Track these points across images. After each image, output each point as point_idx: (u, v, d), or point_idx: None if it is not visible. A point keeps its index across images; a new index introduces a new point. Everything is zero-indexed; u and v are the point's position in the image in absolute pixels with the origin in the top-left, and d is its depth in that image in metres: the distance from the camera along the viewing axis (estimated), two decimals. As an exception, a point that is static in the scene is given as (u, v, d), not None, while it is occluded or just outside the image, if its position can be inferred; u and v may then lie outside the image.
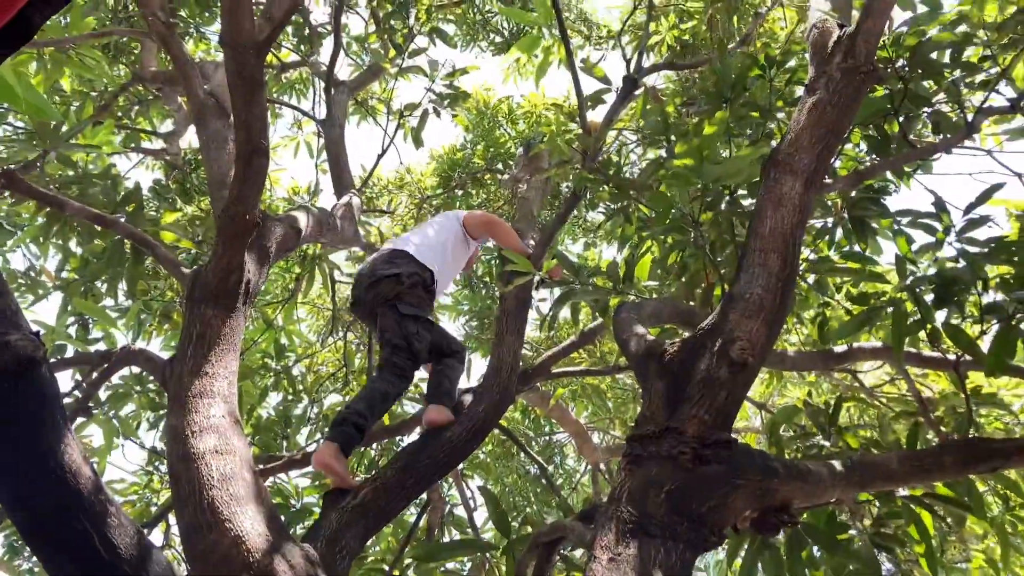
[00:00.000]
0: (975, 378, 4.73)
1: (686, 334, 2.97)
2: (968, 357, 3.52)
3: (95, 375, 3.47)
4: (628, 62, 5.56)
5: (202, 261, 4.34)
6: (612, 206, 3.98)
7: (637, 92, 4.97)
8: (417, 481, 3.45)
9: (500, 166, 8.04)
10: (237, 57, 2.89)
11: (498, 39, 8.51)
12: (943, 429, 4.15)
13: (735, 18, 6.41)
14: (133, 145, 6.23)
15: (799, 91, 3.64)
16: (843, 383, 5.85)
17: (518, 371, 3.93)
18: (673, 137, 3.98)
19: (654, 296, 4.03)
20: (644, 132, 3.99)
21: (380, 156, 5.91)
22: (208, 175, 3.88)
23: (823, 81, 2.58)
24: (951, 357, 4.11)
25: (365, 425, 3.37)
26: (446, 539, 6.01)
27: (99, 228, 3.61)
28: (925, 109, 3.19)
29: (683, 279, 3.79)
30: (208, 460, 2.65)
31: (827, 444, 3.37)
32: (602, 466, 6.79)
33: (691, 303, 3.59)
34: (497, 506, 3.09)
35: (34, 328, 1.41)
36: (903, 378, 4.34)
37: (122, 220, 3.41)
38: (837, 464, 2.56)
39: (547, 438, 8.19)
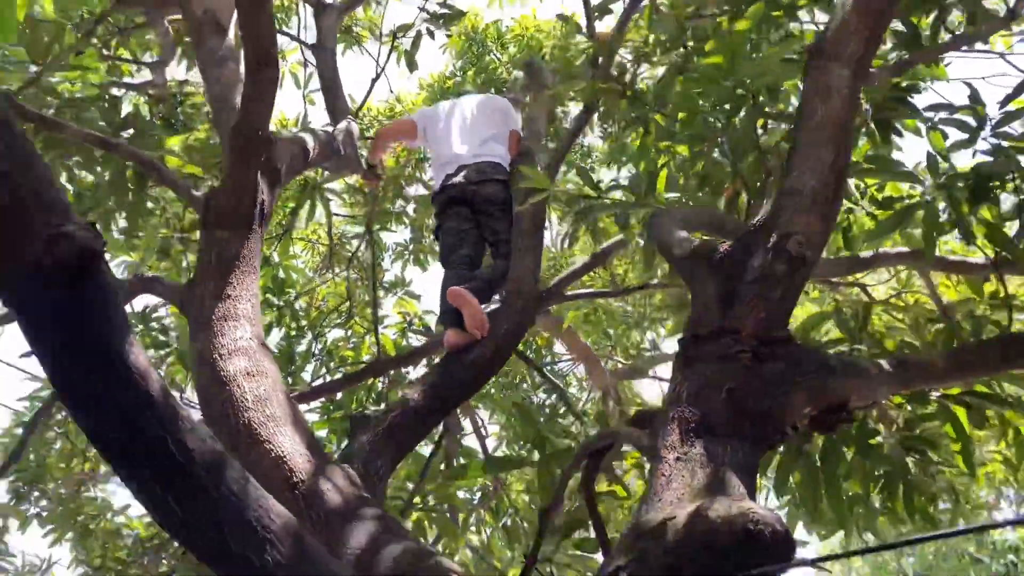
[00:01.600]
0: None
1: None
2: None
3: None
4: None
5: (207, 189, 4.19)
6: (629, 117, 3.85)
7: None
8: (444, 403, 3.41)
9: (492, 91, 7.85)
10: (242, -39, 2.72)
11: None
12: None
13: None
14: (113, 79, 5.97)
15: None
16: (851, 297, 5.81)
17: (537, 290, 3.86)
18: (691, 43, 3.85)
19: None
20: (659, 38, 3.84)
21: (374, 81, 5.73)
22: (209, 96, 3.71)
23: (869, -36, 2.45)
24: (979, 260, 4.08)
25: (490, 288, 3.77)
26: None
27: (99, 153, 3.45)
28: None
29: (705, 188, 3.70)
30: (240, 382, 2.57)
31: (862, 349, 3.32)
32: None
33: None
34: (532, 421, 3.04)
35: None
36: (924, 284, 4.30)
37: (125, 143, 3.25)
38: (884, 363, 2.51)
39: (550, 366, 8.16)
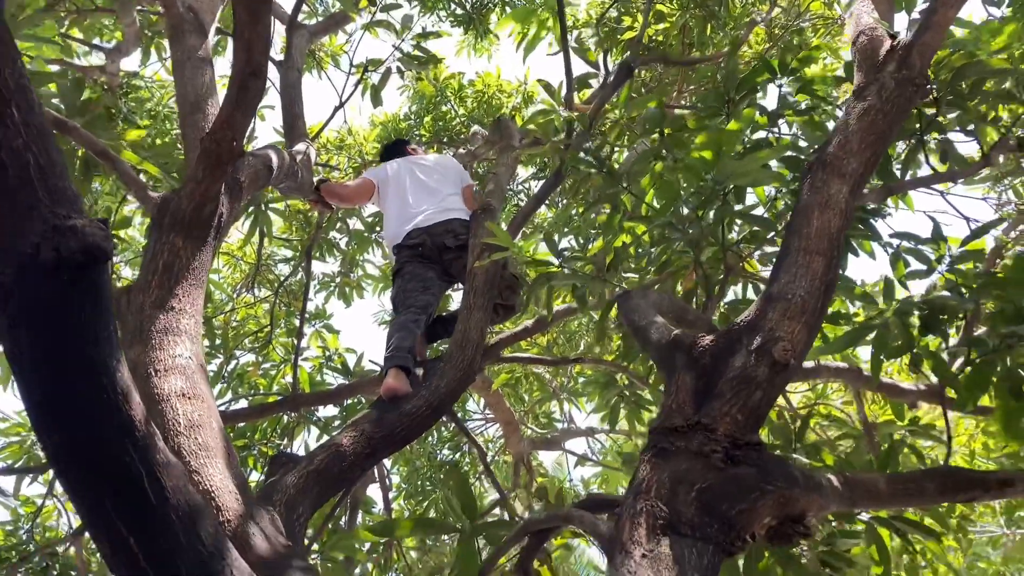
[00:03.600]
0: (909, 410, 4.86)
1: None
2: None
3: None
4: (606, 52, 5.46)
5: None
6: (600, 192, 3.84)
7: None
8: (372, 452, 3.25)
9: (446, 140, 7.81)
10: (248, -34, 2.61)
11: (458, 11, 8.26)
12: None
13: (709, 27, 6.40)
14: (63, 58, 5.67)
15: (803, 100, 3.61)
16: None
17: (483, 348, 3.77)
18: (667, 130, 3.89)
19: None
20: (639, 122, 3.87)
21: (337, 108, 5.61)
22: (179, 97, 3.52)
23: (875, 88, 2.52)
24: (909, 386, 4.19)
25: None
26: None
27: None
28: (936, 136, 3.18)
29: (664, 274, 3.70)
30: (174, 403, 2.38)
31: (797, 459, 3.34)
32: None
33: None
34: (465, 487, 2.91)
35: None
36: (854, 402, 4.39)
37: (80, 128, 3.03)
38: (833, 479, 2.51)
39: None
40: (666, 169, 3.33)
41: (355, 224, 7.67)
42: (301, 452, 5.46)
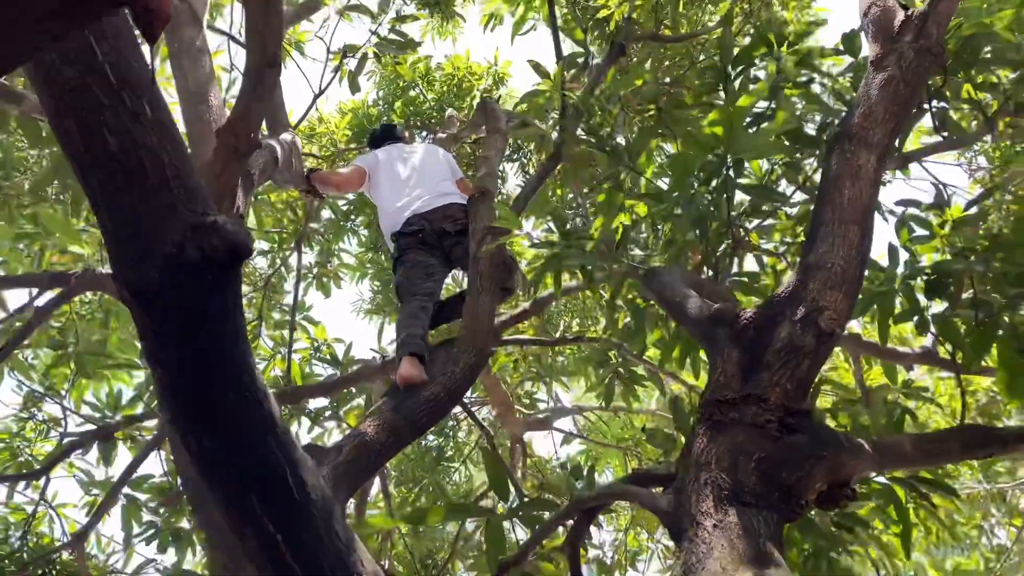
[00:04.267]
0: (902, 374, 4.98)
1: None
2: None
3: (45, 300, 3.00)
4: (585, 31, 5.47)
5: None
6: (599, 172, 3.86)
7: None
8: (397, 440, 3.24)
9: (419, 125, 7.75)
10: (260, -46, 2.57)
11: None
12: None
13: (682, 3, 6.42)
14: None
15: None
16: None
17: (492, 332, 3.77)
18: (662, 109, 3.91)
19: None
20: (635, 99, 3.89)
21: (317, 96, 5.50)
22: (180, 89, 3.44)
23: (893, 58, 2.57)
24: (904, 349, 4.30)
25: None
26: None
27: (45, 132, 3.12)
28: (936, 104, 3.25)
29: (669, 252, 3.73)
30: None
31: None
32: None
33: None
34: (497, 468, 2.93)
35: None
36: (852, 368, 4.50)
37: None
38: (863, 443, 2.57)
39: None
40: (676, 144, 3.35)
41: (330, 215, 7.61)
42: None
